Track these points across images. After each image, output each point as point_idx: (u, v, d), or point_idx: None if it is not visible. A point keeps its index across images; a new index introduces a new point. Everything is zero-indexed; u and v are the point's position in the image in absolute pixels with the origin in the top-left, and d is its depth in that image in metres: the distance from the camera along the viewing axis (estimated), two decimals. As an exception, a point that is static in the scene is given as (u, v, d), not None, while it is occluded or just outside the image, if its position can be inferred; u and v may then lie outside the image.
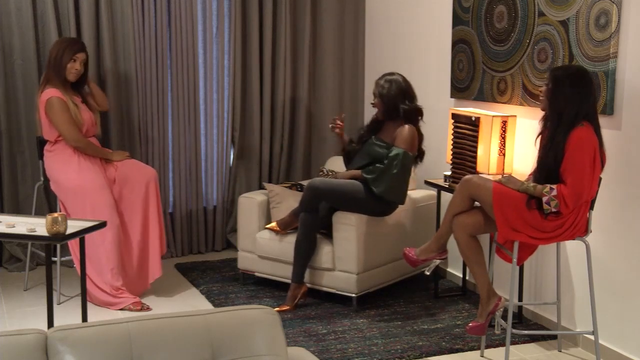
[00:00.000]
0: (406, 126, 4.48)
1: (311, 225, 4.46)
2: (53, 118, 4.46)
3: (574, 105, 3.43)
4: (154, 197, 4.69)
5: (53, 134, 4.53)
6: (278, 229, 4.64)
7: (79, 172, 4.49)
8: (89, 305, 3.95)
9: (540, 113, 3.68)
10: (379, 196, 4.40)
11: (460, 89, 4.87)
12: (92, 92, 4.74)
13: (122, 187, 4.63)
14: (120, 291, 4.46)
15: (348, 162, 4.72)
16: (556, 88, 3.48)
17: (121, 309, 4.42)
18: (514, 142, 4.21)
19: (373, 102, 4.59)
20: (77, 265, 4.43)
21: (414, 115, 4.52)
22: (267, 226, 4.73)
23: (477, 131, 4.21)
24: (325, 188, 4.44)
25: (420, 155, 4.60)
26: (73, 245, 4.43)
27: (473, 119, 4.24)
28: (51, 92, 4.46)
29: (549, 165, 3.48)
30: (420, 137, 4.56)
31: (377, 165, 4.44)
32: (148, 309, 4.45)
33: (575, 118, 3.42)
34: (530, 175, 3.68)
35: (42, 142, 4.74)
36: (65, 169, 4.51)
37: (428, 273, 4.04)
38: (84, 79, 4.66)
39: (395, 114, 4.51)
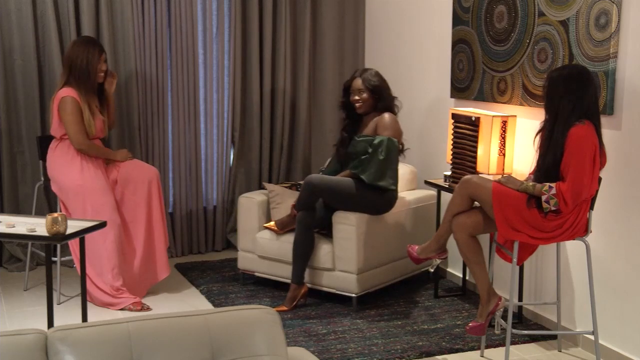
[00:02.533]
0: (386, 114, 4.50)
1: (308, 224, 4.46)
2: (63, 117, 4.47)
3: (569, 102, 3.43)
4: (157, 196, 4.70)
5: (60, 131, 4.53)
6: (276, 228, 4.65)
7: (81, 172, 4.49)
8: (89, 305, 3.96)
9: (541, 113, 3.68)
10: (370, 185, 4.37)
11: (460, 89, 4.87)
12: (108, 104, 4.74)
13: (124, 187, 4.63)
14: (121, 291, 4.46)
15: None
16: (551, 89, 3.51)
17: (121, 309, 4.42)
18: (514, 142, 4.21)
19: (360, 97, 4.56)
20: (77, 265, 4.43)
21: (394, 105, 4.59)
22: (266, 225, 4.73)
23: (477, 131, 4.21)
24: (322, 184, 4.44)
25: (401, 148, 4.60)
26: (73, 245, 4.43)
27: (473, 119, 4.24)
28: (68, 91, 4.47)
29: (549, 164, 3.48)
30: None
31: (362, 157, 4.44)
32: (148, 309, 4.45)
33: (571, 115, 3.43)
34: (530, 174, 3.68)
35: (42, 142, 4.75)
36: (67, 169, 4.51)
37: (432, 270, 4.07)
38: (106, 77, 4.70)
39: (381, 105, 4.54)
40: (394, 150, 4.43)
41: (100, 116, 4.64)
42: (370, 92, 4.54)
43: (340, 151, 4.71)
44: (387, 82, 4.64)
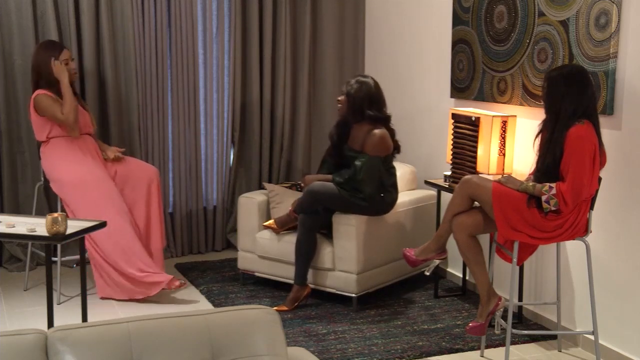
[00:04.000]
0: (375, 132, 4.41)
1: (311, 226, 4.46)
2: (42, 111, 4.48)
3: (570, 103, 3.44)
4: (156, 195, 4.71)
5: (43, 133, 4.54)
6: (275, 226, 4.65)
7: (76, 166, 4.49)
8: (89, 305, 3.95)
9: (541, 113, 3.68)
10: (346, 198, 4.39)
11: (460, 89, 4.87)
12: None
13: (123, 184, 4.64)
14: (154, 270, 4.50)
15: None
16: (551, 88, 3.50)
17: (161, 289, 4.46)
18: (514, 142, 4.21)
19: (339, 99, 4.53)
20: (94, 261, 4.45)
21: (382, 121, 4.48)
22: (265, 224, 4.73)
23: (477, 131, 4.21)
24: (325, 193, 4.43)
25: (396, 147, 4.56)
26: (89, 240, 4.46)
27: (473, 119, 4.24)
28: (38, 92, 4.50)
29: (548, 164, 3.48)
30: (391, 132, 4.52)
31: (347, 169, 4.46)
32: (184, 284, 4.60)
33: (572, 115, 3.43)
34: (530, 175, 3.68)
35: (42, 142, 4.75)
36: (61, 165, 4.50)
37: (428, 273, 4.04)
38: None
39: (359, 117, 4.46)
40: (373, 168, 4.39)
41: (84, 111, 4.64)
42: (346, 97, 4.49)
43: (331, 160, 4.69)
44: (377, 96, 4.49)
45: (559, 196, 3.42)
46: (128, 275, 4.47)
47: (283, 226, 4.64)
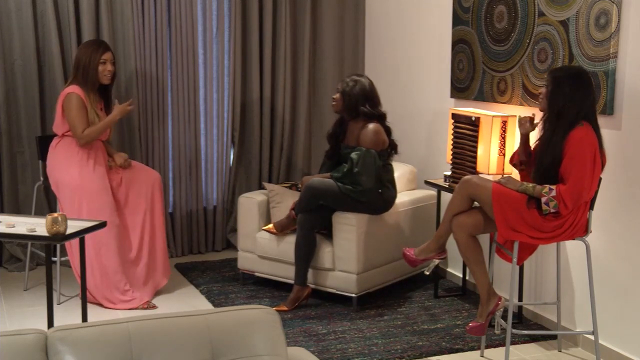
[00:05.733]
0: (369, 125, 4.48)
1: (309, 226, 4.46)
2: (68, 113, 4.47)
3: (575, 105, 3.43)
4: (159, 199, 4.71)
5: (62, 128, 4.53)
6: (275, 231, 4.65)
7: (80, 172, 4.48)
8: (89, 305, 3.95)
9: (539, 114, 3.68)
10: (345, 193, 4.40)
11: (460, 89, 4.87)
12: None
13: (129, 189, 4.63)
14: (128, 291, 4.48)
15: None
16: (556, 89, 3.47)
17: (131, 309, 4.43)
18: (514, 142, 4.21)
19: (334, 97, 4.59)
20: (73, 266, 4.46)
21: (377, 118, 4.52)
22: (264, 228, 4.73)
23: (477, 131, 4.21)
24: (323, 188, 4.44)
25: (393, 147, 4.59)
26: (72, 246, 4.44)
27: (473, 119, 4.24)
28: (73, 89, 4.48)
29: (547, 165, 3.48)
30: (387, 130, 4.56)
31: (343, 165, 4.48)
32: (154, 307, 4.48)
33: (575, 118, 3.43)
34: (521, 165, 3.70)
35: (42, 142, 4.74)
36: (66, 167, 4.50)
37: (428, 273, 4.04)
38: (113, 79, 4.69)
39: (354, 114, 4.52)
40: (370, 161, 4.40)
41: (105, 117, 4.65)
42: (341, 95, 4.55)
43: (329, 160, 4.73)
44: (372, 94, 4.54)
45: (558, 198, 3.42)
46: (102, 288, 4.49)
47: (283, 229, 4.64)
